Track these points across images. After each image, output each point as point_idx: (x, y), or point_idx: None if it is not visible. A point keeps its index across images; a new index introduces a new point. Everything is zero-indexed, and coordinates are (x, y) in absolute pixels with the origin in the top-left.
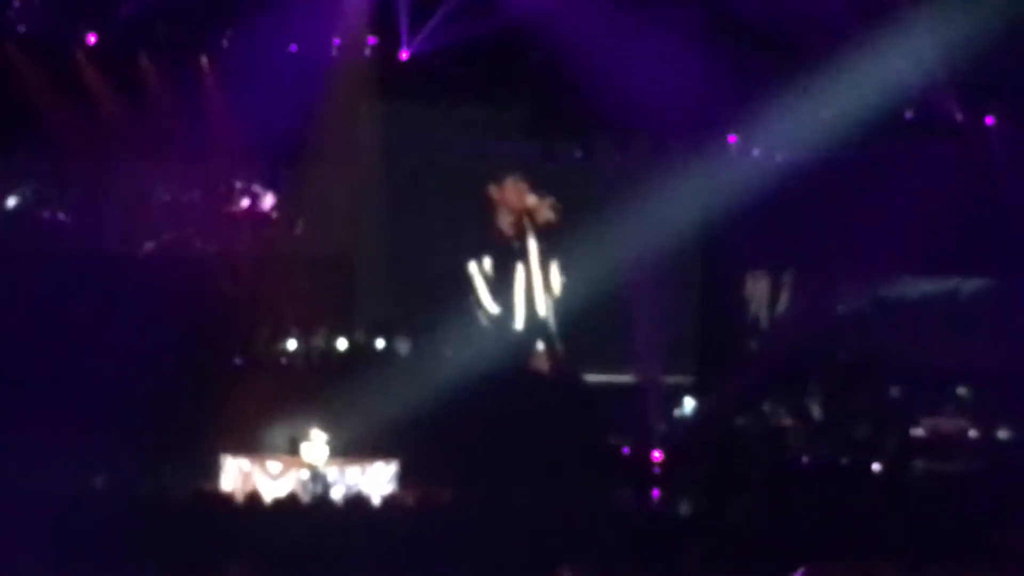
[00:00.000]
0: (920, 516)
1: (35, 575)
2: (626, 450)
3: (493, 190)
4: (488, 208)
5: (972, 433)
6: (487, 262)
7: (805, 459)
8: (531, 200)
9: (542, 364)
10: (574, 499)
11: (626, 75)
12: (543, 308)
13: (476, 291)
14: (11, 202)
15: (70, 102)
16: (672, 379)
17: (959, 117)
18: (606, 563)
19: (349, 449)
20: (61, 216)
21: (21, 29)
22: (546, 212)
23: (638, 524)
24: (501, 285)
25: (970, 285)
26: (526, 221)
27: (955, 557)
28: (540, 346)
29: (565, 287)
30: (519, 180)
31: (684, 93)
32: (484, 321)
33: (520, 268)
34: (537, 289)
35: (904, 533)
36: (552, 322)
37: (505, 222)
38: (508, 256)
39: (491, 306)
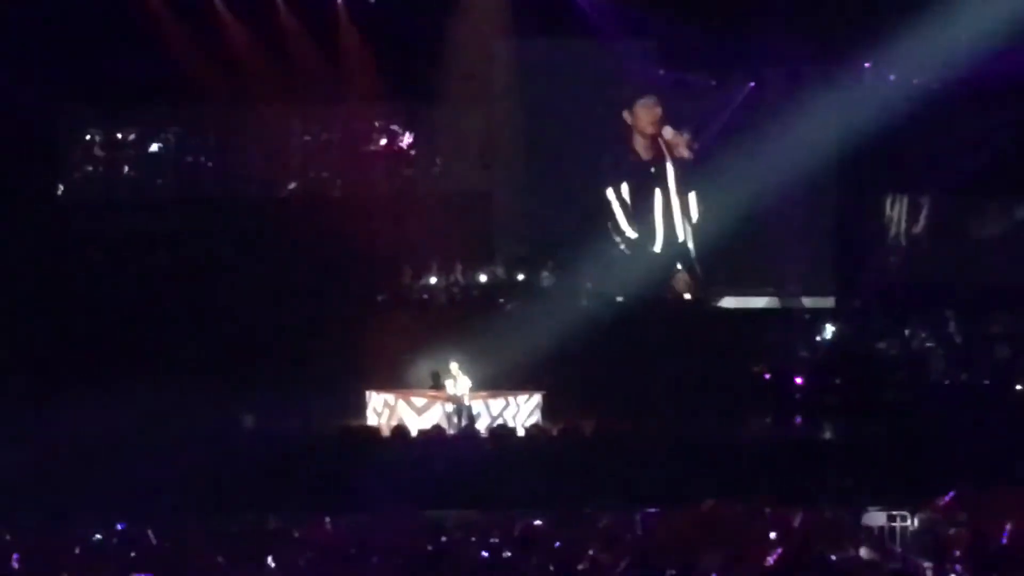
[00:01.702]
0: None
1: (192, 512)
2: (768, 376)
3: (626, 115)
4: (623, 134)
5: None
6: (624, 188)
7: (947, 383)
8: (666, 130)
9: (683, 289)
10: (716, 426)
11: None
12: (682, 232)
13: (615, 217)
14: (154, 147)
15: (208, 48)
16: (812, 303)
17: None
18: (750, 490)
19: (493, 382)
20: (203, 160)
21: None
22: (680, 148)
23: (781, 450)
24: (639, 210)
25: None
26: (662, 144)
27: None
28: (680, 270)
29: (703, 211)
30: (652, 104)
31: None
32: (623, 247)
33: (658, 193)
34: (675, 213)
35: None
36: (691, 246)
37: (640, 146)
38: (645, 181)
39: (630, 231)
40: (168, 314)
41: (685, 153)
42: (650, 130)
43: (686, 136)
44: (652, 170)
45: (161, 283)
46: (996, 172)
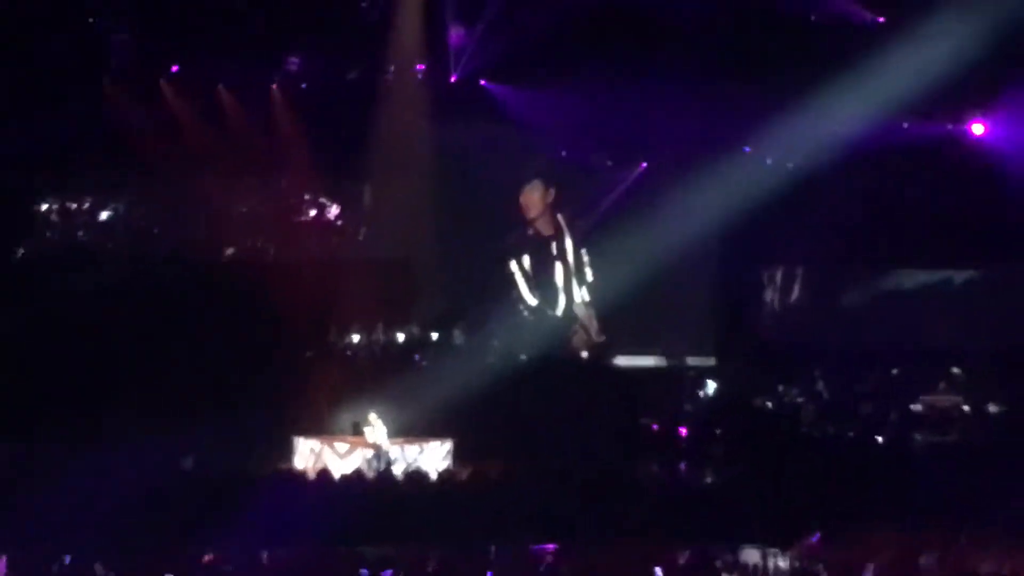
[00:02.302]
0: (921, 483)
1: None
2: (655, 427)
3: (522, 195)
4: (522, 212)
5: (965, 408)
6: (526, 260)
7: (817, 434)
8: (551, 199)
9: (580, 347)
10: (610, 472)
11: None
12: (579, 297)
13: (517, 286)
14: (104, 215)
15: (155, 122)
16: (696, 362)
17: (951, 126)
18: (639, 530)
19: (408, 430)
20: (150, 226)
21: (115, 64)
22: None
23: (667, 493)
24: (540, 279)
25: (962, 275)
26: (560, 221)
27: (953, 519)
28: (577, 328)
29: (598, 279)
30: (531, 189)
31: (703, 117)
32: (526, 312)
33: (558, 265)
34: (573, 281)
35: (907, 499)
36: (587, 309)
37: (539, 223)
38: (545, 254)
39: (531, 299)
40: (120, 364)
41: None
42: (532, 213)
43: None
44: (552, 244)
45: (112, 338)
46: (863, 245)
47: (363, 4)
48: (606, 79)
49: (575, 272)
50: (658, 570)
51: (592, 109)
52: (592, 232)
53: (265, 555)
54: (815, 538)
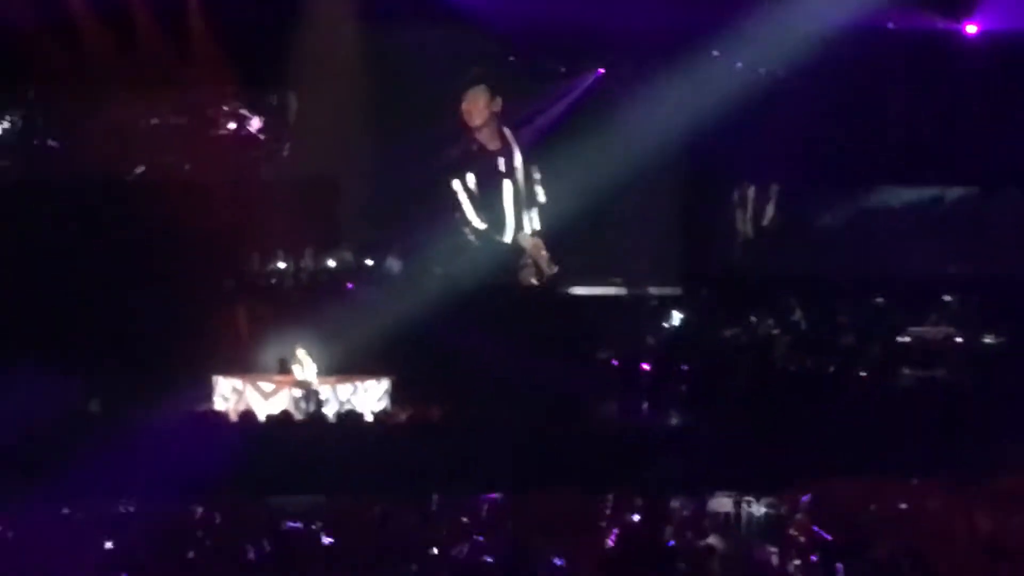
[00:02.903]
0: (911, 426)
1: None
2: (615, 362)
3: (463, 104)
4: (464, 122)
5: (958, 340)
6: (471, 178)
7: (792, 369)
8: (498, 109)
9: (530, 277)
10: (563, 413)
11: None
12: (528, 220)
13: (462, 207)
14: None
15: (56, 31)
16: (659, 291)
17: (938, 23)
18: (594, 478)
19: (341, 367)
20: (50, 143)
21: None
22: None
23: (627, 438)
24: (487, 199)
25: (954, 192)
26: (508, 133)
27: (951, 467)
28: (527, 259)
29: (550, 199)
30: (477, 94)
31: (666, 12)
32: (472, 236)
33: (506, 183)
34: (522, 202)
35: (893, 441)
36: (539, 235)
37: (485, 136)
38: (491, 170)
39: (477, 221)
40: (11, 298)
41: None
42: (475, 122)
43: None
44: (498, 160)
45: (3, 267)
46: (841, 162)
47: None
48: None
49: (524, 192)
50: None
51: (542, 5)
52: (543, 147)
53: (180, 507)
54: (805, 498)
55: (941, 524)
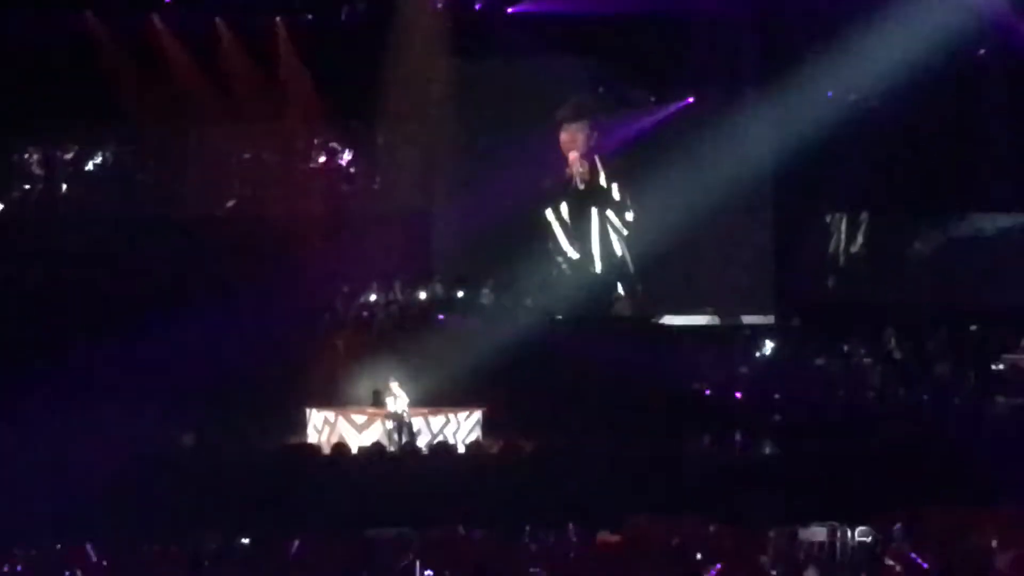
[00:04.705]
0: (1005, 454)
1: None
2: (708, 392)
3: (562, 136)
4: (561, 154)
5: None
6: (564, 208)
7: (887, 399)
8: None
9: (624, 308)
10: (656, 444)
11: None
12: (620, 250)
13: (555, 237)
14: (91, 166)
15: (148, 67)
16: (752, 320)
17: None
18: (687, 508)
19: (433, 399)
20: (140, 178)
21: None
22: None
23: (721, 468)
24: (578, 230)
25: None
26: (598, 164)
27: None
28: (621, 290)
29: (641, 229)
30: (574, 130)
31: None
32: (564, 266)
33: (594, 212)
34: (614, 232)
35: (991, 472)
36: (630, 264)
37: (577, 166)
38: (584, 201)
39: (571, 251)
40: (108, 331)
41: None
42: (573, 156)
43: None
44: (591, 190)
45: (100, 301)
46: (932, 190)
47: None
48: (647, 6)
49: (617, 221)
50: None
51: (633, 36)
52: (634, 176)
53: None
54: (897, 527)
55: None
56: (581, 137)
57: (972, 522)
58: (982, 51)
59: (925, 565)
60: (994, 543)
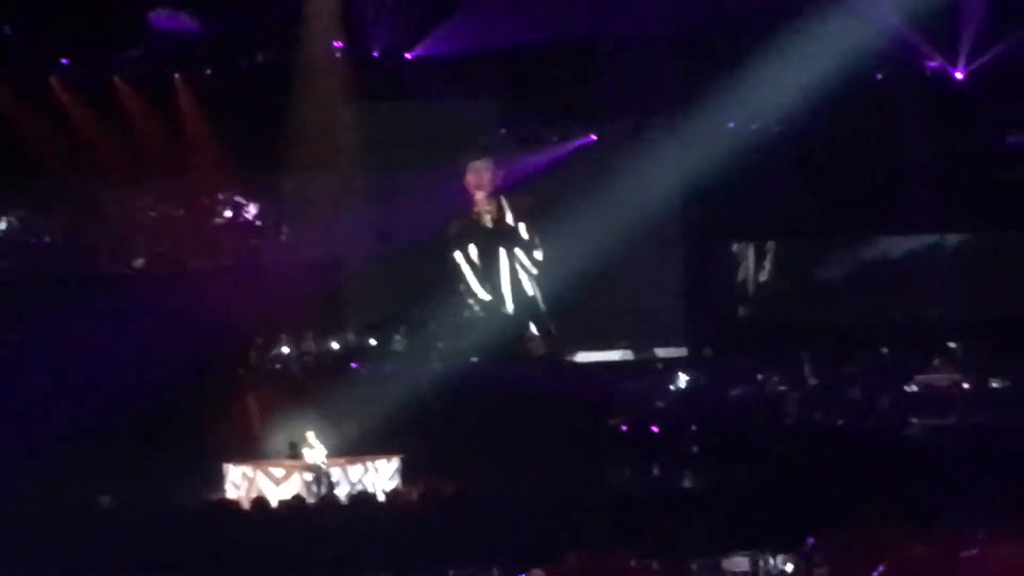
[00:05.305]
0: (921, 473)
1: None
2: (624, 427)
3: (468, 176)
4: (466, 195)
5: (966, 386)
6: (473, 250)
7: (803, 425)
8: (500, 180)
9: (537, 347)
10: (576, 482)
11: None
12: (532, 290)
13: (465, 279)
14: None
15: (50, 127)
16: (664, 352)
17: (929, 72)
18: (611, 544)
19: (350, 448)
20: (48, 240)
21: None
22: (520, 201)
23: (641, 502)
24: (488, 271)
25: (955, 239)
26: (504, 204)
27: (961, 513)
28: (533, 329)
29: (550, 267)
30: (479, 167)
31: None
32: (476, 308)
33: (502, 252)
34: (524, 271)
35: (906, 493)
36: (541, 303)
37: (483, 207)
38: (492, 241)
39: (482, 293)
40: (13, 394)
41: (525, 205)
42: (480, 194)
43: (527, 199)
44: (498, 230)
45: (10, 362)
46: (841, 212)
47: None
48: (548, 36)
49: (526, 260)
50: None
51: (534, 74)
52: (540, 215)
53: None
54: (810, 542)
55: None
56: (487, 176)
57: (889, 543)
58: (879, 76)
59: None
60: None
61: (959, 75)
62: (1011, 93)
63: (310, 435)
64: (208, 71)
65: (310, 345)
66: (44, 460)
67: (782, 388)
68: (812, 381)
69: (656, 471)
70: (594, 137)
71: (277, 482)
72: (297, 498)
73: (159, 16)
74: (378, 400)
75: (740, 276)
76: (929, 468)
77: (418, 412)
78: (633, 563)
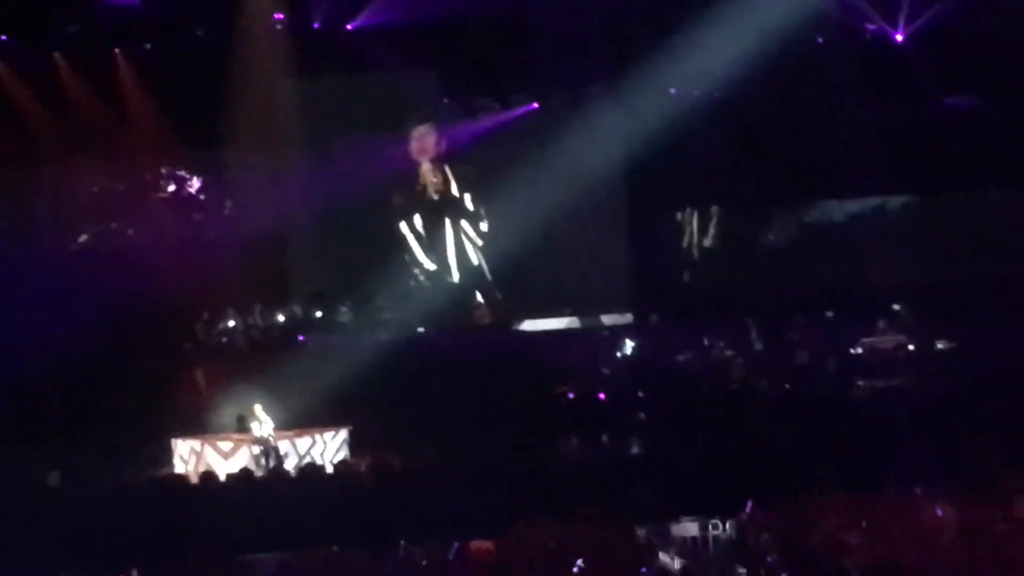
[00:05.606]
0: (868, 437)
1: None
2: (571, 395)
3: (412, 144)
4: (409, 165)
5: (911, 348)
6: (417, 220)
7: (749, 390)
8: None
9: (483, 316)
10: (524, 451)
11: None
12: (477, 259)
13: (410, 250)
14: None
15: None
16: (611, 320)
17: (869, 35)
18: (561, 512)
19: (298, 421)
20: None
21: None
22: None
23: (589, 469)
24: (433, 241)
25: (896, 202)
26: (448, 172)
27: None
28: (480, 302)
29: (495, 235)
30: (422, 133)
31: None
32: (422, 279)
33: (448, 222)
34: (469, 241)
35: (852, 457)
36: (487, 272)
37: (428, 177)
38: (437, 211)
39: (428, 263)
40: None
41: (468, 173)
42: (423, 158)
43: (470, 168)
44: (442, 200)
45: None
46: (780, 179)
47: None
48: (484, 5)
49: (471, 231)
50: (580, 561)
51: (475, 44)
52: (484, 183)
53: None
54: (748, 507)
55: (910, 531)
56: (430, 140)
57: (831, 506)
58: (820, 39)
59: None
60: (855, 526)
61: (899, 37)
62: (951, 55)
63: (258, 408)
64: (148, 46)
65: (256, 318)
66: None
67: (728, 353)
68: (758, 346)
69: (604, 438)
70: (536, 105)
71: (225, 456)
72: (245, 471)
73: None
74: (325, 372)
75: (684, 242)
76: (875, 431)
77: (365, 383)
78: (582, 531)
